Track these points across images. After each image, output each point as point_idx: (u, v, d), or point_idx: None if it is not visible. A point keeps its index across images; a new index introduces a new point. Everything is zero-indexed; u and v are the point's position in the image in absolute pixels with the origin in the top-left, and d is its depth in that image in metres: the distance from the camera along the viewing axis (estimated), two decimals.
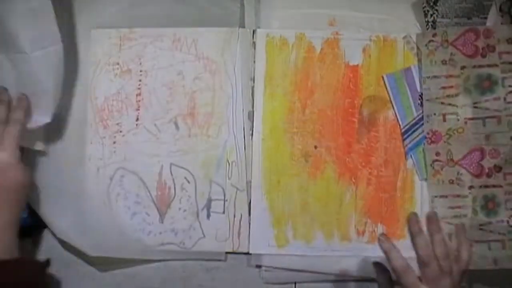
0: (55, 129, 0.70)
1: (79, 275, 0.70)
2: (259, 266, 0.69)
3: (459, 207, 0.67)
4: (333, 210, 0.68)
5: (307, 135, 0.69)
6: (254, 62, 0.70)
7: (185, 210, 0.69)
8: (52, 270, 0.69)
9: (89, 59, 0.71)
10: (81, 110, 0.71)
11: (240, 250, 0.68)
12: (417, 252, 0.54)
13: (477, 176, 0.66)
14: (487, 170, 0.66)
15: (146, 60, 0.71)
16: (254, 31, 0.71)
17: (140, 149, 0.70)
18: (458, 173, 0.67)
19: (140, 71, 0.71)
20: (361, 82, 0.70)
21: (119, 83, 0.71)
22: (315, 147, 0.69)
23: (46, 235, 0.71)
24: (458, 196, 0.67)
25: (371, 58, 0.70)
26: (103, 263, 0.69)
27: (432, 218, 0.56)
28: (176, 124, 0.70)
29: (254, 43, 0.71)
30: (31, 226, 0.69)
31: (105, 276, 0.70)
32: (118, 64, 0.71)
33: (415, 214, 0.56)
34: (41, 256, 0.70)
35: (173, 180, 0.69)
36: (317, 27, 0.71)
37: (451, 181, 0.67)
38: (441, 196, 0.67)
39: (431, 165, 0.67)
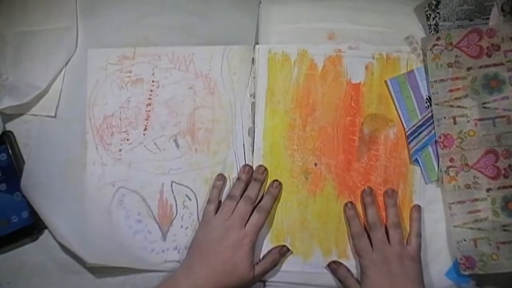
0: (59, 133, 0.71)
1: (79, 275, 0.70)
2: (261, 281, 0.69)
3: (478, 210, 0.66)
4: (332, 227, 0.69)
5: (307, 152, 0.69)
6: (255, 78, 0.69)
7: (187, 228, 0.70)
8: (52, 270, 0.70)
9: (90, 74, 0.71)
10: (83, 119, 0.71)
11: None
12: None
13: (494, 178, 0.66)
14: (503, 171, 0.66)
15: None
16: (253, 47, 0.69)
17: (141, 167, 0.70)
18: (474, 177, 0.66)
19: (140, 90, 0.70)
20: (363, 100, 0.69)
21: (122, 97, 0.71)
22: (315, 164, 0.70)
23: (46, 235, 0.70)
24: (476, 200, 0.67)
25: (374, 76, 0.69)
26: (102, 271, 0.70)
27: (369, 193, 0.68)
28: (176, 142, 0.70)
29: (253, 58, 0.69)
30: (31, 226, 0.70)
31: (106, 276, 0.70)
32: (123, 78, 0.71)
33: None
34: (41, 256, 0.70)
35: (174, 197, 0.70)
36: (316, 41, 0.70)
37: (467, 185, 0.67)
38: (458, 202, 0.67)
39: (445, 171, 0.67)
